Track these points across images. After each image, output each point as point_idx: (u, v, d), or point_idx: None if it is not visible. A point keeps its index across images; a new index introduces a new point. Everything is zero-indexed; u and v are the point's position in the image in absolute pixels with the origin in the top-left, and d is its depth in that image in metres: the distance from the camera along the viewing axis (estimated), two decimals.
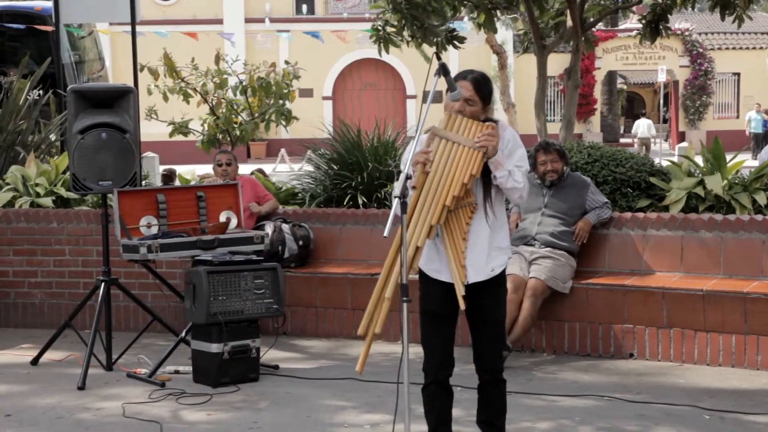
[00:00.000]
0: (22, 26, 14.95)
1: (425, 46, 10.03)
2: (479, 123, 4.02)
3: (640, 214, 6.69)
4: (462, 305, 3.93)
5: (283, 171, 19.80)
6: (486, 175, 4.02)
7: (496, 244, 4.09)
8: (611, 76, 34.42)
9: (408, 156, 3.99)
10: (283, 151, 25.00)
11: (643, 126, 29.16)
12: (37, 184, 8.14)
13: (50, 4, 10.87)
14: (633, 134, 29.97)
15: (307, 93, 28.29)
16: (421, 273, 4.14)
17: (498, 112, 29.05)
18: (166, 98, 11.97)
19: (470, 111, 4.03)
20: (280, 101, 12.39)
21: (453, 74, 4.05)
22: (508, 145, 4.06)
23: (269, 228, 7.15)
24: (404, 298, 3.85)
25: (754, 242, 6.27)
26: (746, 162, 7.76)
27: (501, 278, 4.13)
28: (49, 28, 13.53)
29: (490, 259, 4.06)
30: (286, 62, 12.98)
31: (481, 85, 4.07)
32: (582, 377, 5.93)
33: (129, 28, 8.67)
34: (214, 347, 5.80)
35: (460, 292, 3.93)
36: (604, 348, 6.35)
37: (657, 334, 6.19)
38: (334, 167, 8.19)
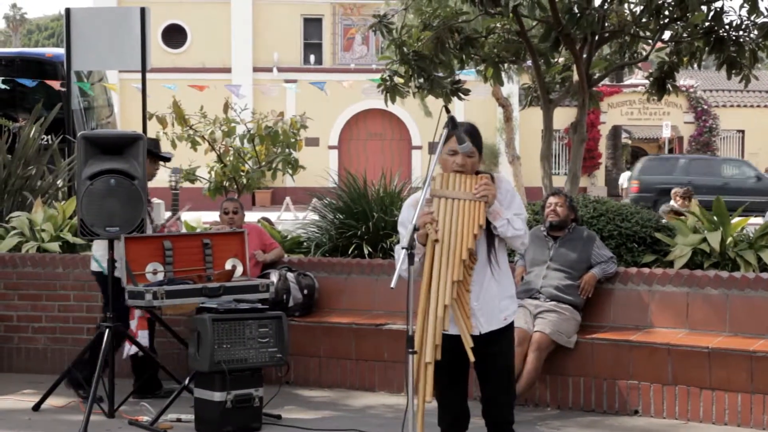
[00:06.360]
0: (32, 72, 15.10)
1: (429, 100, 10.07)
2: (473, 176, 4.08)
3: (646, 270, 6.68)
4: (471, 357, 3.95)
5: (288, 219, 19.80)
6: (487, 228, 4.07)
7: (507, 293, 4.17)
8: (616, 131, 34.57)
9: (405, 213, 4.07)
10: (288, 199, 25.06)
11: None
12: (43, 230, 8.15)
13: (62, 51, 10.98)
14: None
15: (313, 142, 28.36)
16: None
17: (503, 164, 29.19)
18: (174, 145, 12.05)
19: (471, 162, 4.10)
20: (287, 150, 12.47)
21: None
22: (506, 196, 4.13)
23: (274, 276, 7.15)
24: (409, 350, 3.84)
25: (760, 300, 6.24)
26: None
27: (511, 326, 4.20)
28: (57, 83, 13.61)
29: (502, 308, 4.13)
30: (292, 117, 13.09)
31: (475, 137, 4.14)
32: None
33: (138, 75, 8.76)
34: (217, 396, 5.77)
35: (468, 344, 3.93)
36: (609, 404, 6.31)
37: (662, 391, 6.16)
38: (340, 216, 8.21)
